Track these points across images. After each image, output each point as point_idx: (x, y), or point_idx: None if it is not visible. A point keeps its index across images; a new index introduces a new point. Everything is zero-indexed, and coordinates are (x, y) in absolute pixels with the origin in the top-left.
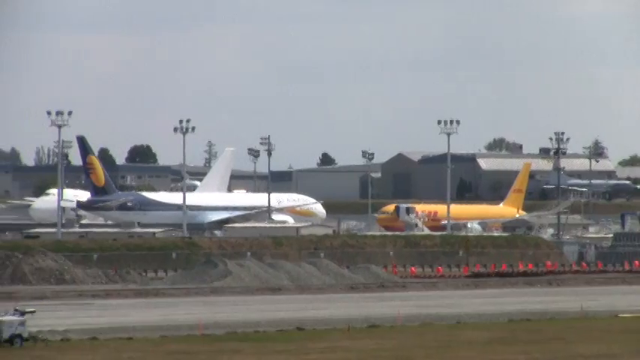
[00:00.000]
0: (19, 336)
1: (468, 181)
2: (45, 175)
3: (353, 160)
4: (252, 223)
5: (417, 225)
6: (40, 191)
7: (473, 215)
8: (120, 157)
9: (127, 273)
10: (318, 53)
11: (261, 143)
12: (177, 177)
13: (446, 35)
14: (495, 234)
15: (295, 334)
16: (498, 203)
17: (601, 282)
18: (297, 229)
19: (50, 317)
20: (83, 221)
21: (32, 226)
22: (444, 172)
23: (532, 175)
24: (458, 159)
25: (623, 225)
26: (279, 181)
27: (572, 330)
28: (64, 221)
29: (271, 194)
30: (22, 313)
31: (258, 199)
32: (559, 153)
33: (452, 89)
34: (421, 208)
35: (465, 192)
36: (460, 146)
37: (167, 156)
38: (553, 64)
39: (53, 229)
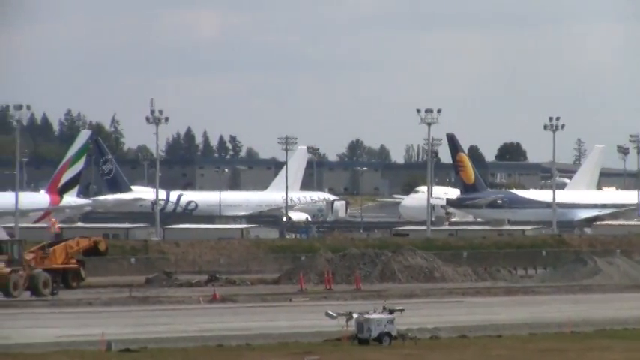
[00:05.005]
0: (388, 334)
1: None
2: (414, 173)
3: None
4: (622, 220)
5: None
6: (409, 189)
7: None
8: (490, 155)
9: (497, 271)
10: None
11: (630, 141)
12: (547, 175)
13: None
14: None
15: None
16: None
17: None
18: None
19: (419, 315)
20: (453, 219)
21: (402, 223)
22: None
23: None
24: None
25: None
26: None
27: None
28: (433, 219)
29: None
30: (391, 311)
31: (628, 196)
32: None
33: None
34: None
35: None
36: None
37: (537, 153)
38: None
39: (423, 227)
